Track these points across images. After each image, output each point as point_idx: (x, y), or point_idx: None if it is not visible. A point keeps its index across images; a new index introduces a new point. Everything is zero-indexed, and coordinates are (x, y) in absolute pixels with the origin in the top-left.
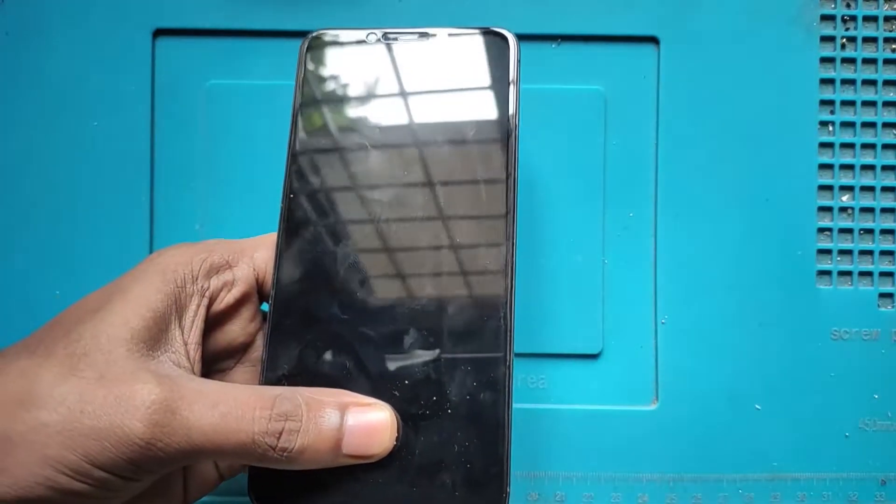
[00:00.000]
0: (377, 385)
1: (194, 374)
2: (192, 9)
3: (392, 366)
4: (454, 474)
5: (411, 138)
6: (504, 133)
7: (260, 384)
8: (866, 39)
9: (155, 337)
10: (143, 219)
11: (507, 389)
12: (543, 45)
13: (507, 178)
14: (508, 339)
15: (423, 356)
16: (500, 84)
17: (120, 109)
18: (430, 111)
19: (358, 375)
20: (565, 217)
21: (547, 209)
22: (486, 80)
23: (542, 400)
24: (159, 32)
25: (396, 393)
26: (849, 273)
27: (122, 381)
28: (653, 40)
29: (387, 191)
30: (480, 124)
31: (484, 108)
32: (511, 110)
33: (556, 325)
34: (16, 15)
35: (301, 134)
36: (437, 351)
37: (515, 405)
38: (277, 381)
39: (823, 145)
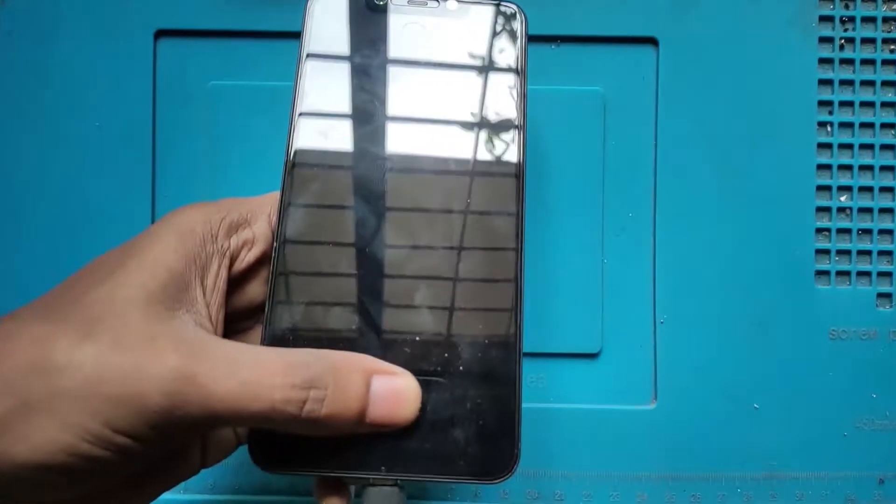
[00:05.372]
0: (387, 342)
1: (216, 335)
2: (194, 10)
3: (403, 322)
4: (466, 431)
5: (418, 101)
6: (512, 91)
7: (263, 341)
8: (865, 40)
9: (174, 296)
10: (144, 219)
11: (517, 347)
12: (543, 47)
13: (519, 146)
14: (519, 296)
15: (434, 313)
16: (509, 50)
17: (121, 110)
18: (440, 77)
19: (367, 332)
20: (564, 217)
21: (546, 210)
22: (497, 50)
23: (540, 399)
24: (161, 33)
25: (407, 350)
26: (847, 273)
27: (139, 347)
28: (652, 41)
29: (397, 146)
30: (488, 82)
31: (493, 70)
32: (520, 65)
33: (556, 324)
34: (18, 15)
35: (307, 87)
36: (449, 307)
37: None
38: (282, 337)
39: (822, 146)
